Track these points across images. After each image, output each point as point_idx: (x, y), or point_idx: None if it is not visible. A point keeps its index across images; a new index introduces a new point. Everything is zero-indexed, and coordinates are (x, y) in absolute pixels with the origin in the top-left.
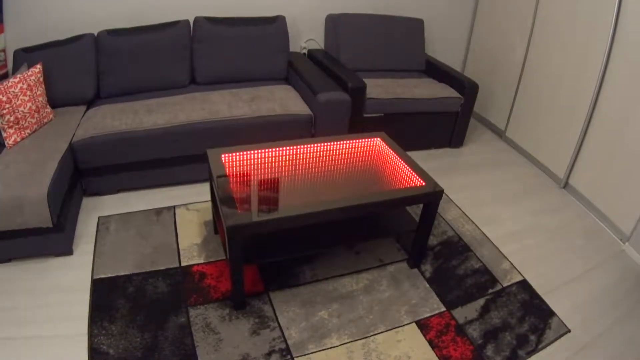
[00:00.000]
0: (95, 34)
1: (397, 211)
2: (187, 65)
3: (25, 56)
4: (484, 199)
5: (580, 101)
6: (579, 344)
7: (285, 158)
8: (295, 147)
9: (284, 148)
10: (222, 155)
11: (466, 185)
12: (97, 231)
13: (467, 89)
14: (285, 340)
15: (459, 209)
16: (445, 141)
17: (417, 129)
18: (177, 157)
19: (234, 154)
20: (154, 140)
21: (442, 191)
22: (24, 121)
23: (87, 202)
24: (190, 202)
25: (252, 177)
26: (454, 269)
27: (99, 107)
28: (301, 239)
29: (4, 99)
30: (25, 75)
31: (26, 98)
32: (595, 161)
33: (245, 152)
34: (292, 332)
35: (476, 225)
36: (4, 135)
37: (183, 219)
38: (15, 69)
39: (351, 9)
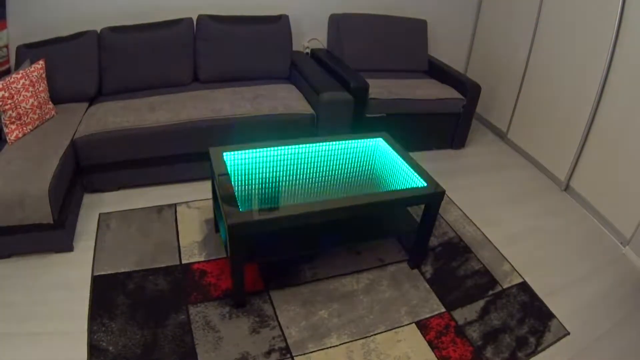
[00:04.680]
0: (98, 31)
1: (398, 211)
2: (189, 63)
3: (28, 52)
4: (485, 200)
5: (583, 104)
6: (578, 347)
7: (287, 157)
8: (297, 146)
9: (286, 147)
10: (224, 154)
11: (467, 187)
12: (97, 228)
13: (470, 90)
14: (285, 339)
15: (460, 210)
16: (447, 142)
17: (419, 130)
18: (179, 154)
19: (235, 153)
20: (156, 138)
21: (443, 192)
22: (26, 117)
23: (88, 199)
24: (192, 199)
25: (253, 175)
26: (454, 270)
27: (101, 104)
28: (302, 238)
29: (7, 94)
30: (28, 71)
31: (28, 94)
32: (596, 164)
33: (247, 151)
34: (292, 331)
35: (477, 227)
36: (6, 131)
37: (184, 216)
38: (18, 65)
39: (354, 9)
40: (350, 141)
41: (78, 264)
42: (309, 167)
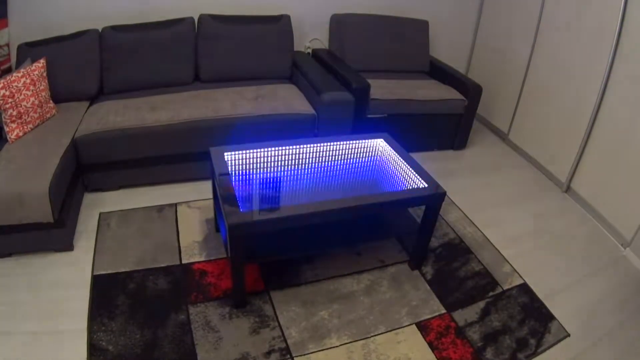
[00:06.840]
0: (100, 30)
1: (399, 212)
2: (191, 62)
3: (29, 51)
4: (486, 201)
5: (584, 105)
6: (578, 349)
7: (288, 157)
8: (298, 146)
9: (287, 147)
10: (225, 154)
11: (468, 188)
12: (98, 227)
13: (471, 91)
14: (285, 340)
15: (461, 211)
16: (448, 143)
17: (420, 131)
18: (180, 154)
19: (236, 153)
20: (157, 137)
21: (444, 193)
22: (26, 116)
23: (89, 198)
24: (192, 199)
25: (254, 175)
26: (454, 271)
27: (102, 103)
28: (303, 239)
29: (7, 93)
30: (29, 70)
31: (29, 93)
32: (597, 166)
33: (248, 151)
34: (292, 332)
35: (477, 228)
36: (7, 129)
37: (184, 216)
38: (19, 64)
39: (356, 9)
40: (351, 141)
41: (78, 263)
42: (309, 167)
